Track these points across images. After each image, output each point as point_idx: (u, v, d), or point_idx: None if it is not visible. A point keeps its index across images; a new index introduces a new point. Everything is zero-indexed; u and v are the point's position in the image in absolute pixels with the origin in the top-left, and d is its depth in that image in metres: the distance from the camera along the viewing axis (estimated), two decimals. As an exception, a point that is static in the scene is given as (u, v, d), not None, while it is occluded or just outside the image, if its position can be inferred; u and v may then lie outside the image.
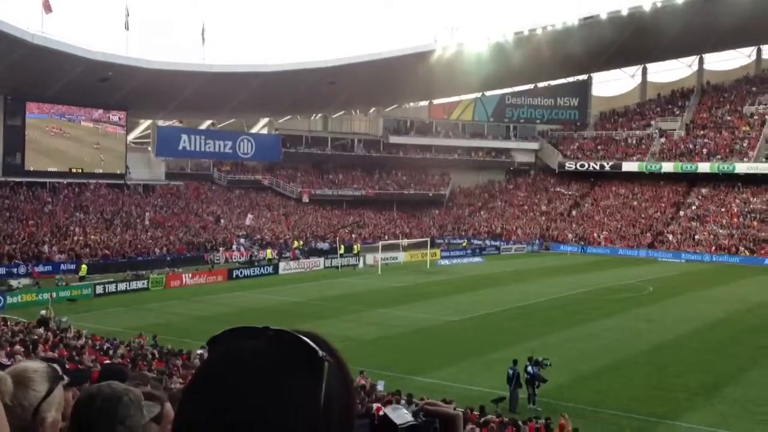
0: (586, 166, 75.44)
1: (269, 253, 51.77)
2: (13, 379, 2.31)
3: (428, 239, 57.52)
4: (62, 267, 42.87)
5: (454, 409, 1.29)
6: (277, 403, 0.99)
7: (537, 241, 66.32)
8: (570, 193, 76.22)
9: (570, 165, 76.39)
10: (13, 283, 37.85)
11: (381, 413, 1.17)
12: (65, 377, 2.38)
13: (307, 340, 1.04)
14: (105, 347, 21.22)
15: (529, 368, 19.66)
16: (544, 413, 18.02)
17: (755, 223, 63.15)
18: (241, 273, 45.94)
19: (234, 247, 53.66)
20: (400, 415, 1.16)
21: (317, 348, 1.03)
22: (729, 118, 75.03)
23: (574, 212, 72.59)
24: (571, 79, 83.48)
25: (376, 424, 1.14)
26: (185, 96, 58.70)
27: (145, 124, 68.73)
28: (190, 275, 43.24)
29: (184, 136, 66.37)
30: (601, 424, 17.82)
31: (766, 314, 33.71)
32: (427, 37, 67.92)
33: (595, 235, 66.53)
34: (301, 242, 56.50)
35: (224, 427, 0.99)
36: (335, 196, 70.95)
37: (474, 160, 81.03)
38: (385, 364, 23.01)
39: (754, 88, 78.23)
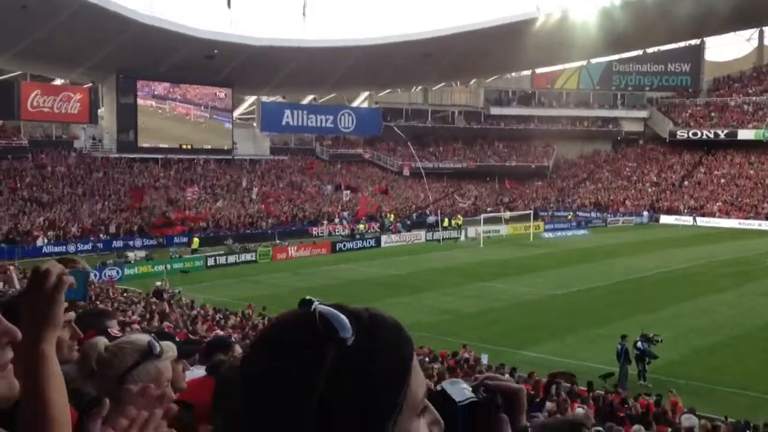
0: (699, 134, 72.23)
1: (363, 226, 52.17)
2: (109, 348, 2.38)
3: (531, 212, 56.58)
4: (175, 240, 44.66)
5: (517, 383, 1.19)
6: (270, 385, 0.98)
7: (646, 213, 64.15)
8: (682, 162, 73.24)
9: (682, 133, 73.34)
10: (130, 255, 39.72)
11: (439, 388, 1.09)
12: (159, 353, 2.41)
13: (321, 317, 0.99)
14: (217, 318, 21.96)
15: (639, 344, 19.08)
16: (655, 390, 17.51)
17: None
18: (344, 246, 46.63)
19: (336, 220, 54.43)
20: (460, 390, 1.08)
21: (323, 327, 0.98)
22: None
23: (686, 182, 69.75)
24: (682, 44, 79.76)
25: (433, 400, 1.06)
26: (287, 71, 59.69)
27: (250, 100, 70.45)
28: (296, 248, 44.20)
29: (287, 112, 67.66)
30: (715, 401, 17.11)
31: None
32: (529, 5, 66.22)
33: (708, 206, 63.79)
34: (392, 216, 56.35)
35: (244, 386, 1.00)
36: (436, 169, 70.73)
37: (579, 130, 78.89)
38: (488, 338, 22.85)
39: None
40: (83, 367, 2.37)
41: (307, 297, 1.05)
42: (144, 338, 2.46)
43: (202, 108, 60.76)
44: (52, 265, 1.51)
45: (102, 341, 2.44)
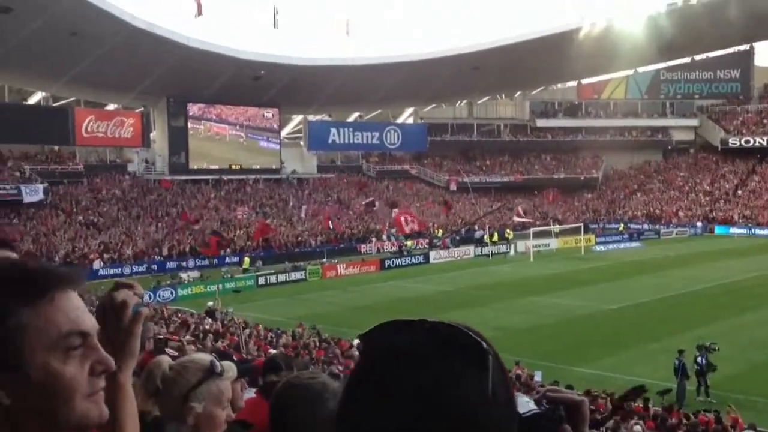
0: (752, 141, 70.69)
1: (410, 243, 52.10)
2: (173, 367, 2.41)
3: (581, 224, 55.88)
4: (227, 260, 45.21)
5: (579, 395, 1.20)
6: (445, 395, 0.98)
7: (700, 224, 62.83)
8: (735, 171, 71.67)
9: (734, 141, 71.88)
10: (184, 276, 40.36)
11: None
12: (221, 372, 2.43)
13: (470, 332, 1.03)
14: (268, 337, 22.12)
15: (699, 359, 18.63)
16: (714, 406, 17.07)
17: None
18: (392, 263, 46.63)
19: (384, 237, 54.47)
20: (523, 403, 1.09)
21: (480, 340, 1.02)
22: None
23: (739, 191, 68.19)
24: (730, 50, 78.21)
25: None
26: (333, 90, 60.23)
27: (297, 119, 71.21)
28: (345, 266, 44.37)
29: (334, 130, 68.29)
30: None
31: None
32: (574, 15, 65.88)
33: (764, 215, 62.18)
34: (441, 232, 56.12)
35: (392, 425, 0.98)
36: (483, 183, 70.39)
37: (628, 141, 77.80)
38: (541, 354, 22.55)
39: None
40: (148, 385, 2.41)
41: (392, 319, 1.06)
42: (206, 357, 2.49)
43: (251, 128, 61.72)
44: (128, 296, 1.55)
45: (166, 360, 2.48)
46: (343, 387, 1.06)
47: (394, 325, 1.05)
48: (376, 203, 59.24)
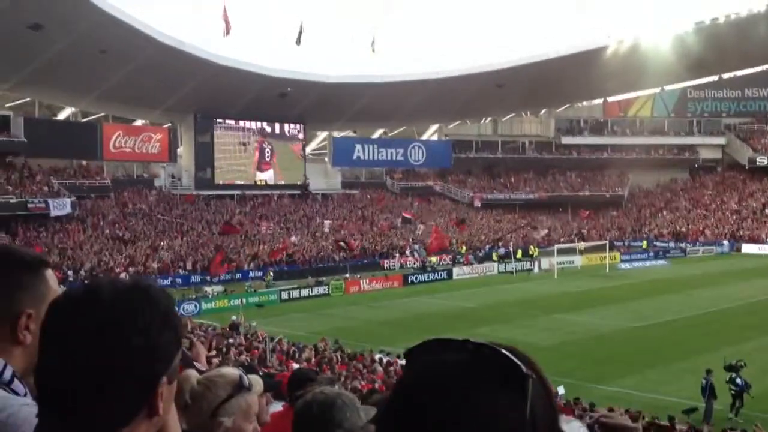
0: (781, 160, 69.91)
1: (433, 259, 51.89)
2: (201, 381, 2.45)
3: (606, 242, 55.42)
4: (251, 274, 45.35)
5: (635, 421, 1.22)
6: (478, 419, 0.97)
7: (726, 242, 62.05)
8: (763, 189, 70.77)
9: (762, 160, 71.04)
10: (208, 290, 40.56)
11: None
12: (249, 387, 2.47)
13: (510, 355, 1.01)
14: (291, 351, 22.16)
15: (738, 380, 18.42)
16: (741, 425, 16.85)
17: None
18: (415, 279, 46.56)
19: (408, 252, 54.39)
20: (574, 428, 1.11)
21: (520, 364, 1.01)
22: None
23: (767, 210, 67.29)
24: (759, 69, 77.45)
25: None
26: (358, 107, 60.52)
27: (322, 135, 71.56)
28: (368, 281, 44.34)
29: (358, 146, 68.52)
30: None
31: None
32: (600, 33, 65.87)
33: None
34: (464, 248, 55.84)
35: None
36: (507, 200, 70.12)
37: (654, 159, 77.18)
38: (565, 372, 22.32)
39: None
40: (177, 400, 2.42)
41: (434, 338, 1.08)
42: (234, 372, 2.52)
43: (276, 144, 62.13)
44: None
45: (194, 374, 2.50)
46: (386, 402, 1.07)
47: (436, 344, 1.06)
48: (413, 220, 59.36)
